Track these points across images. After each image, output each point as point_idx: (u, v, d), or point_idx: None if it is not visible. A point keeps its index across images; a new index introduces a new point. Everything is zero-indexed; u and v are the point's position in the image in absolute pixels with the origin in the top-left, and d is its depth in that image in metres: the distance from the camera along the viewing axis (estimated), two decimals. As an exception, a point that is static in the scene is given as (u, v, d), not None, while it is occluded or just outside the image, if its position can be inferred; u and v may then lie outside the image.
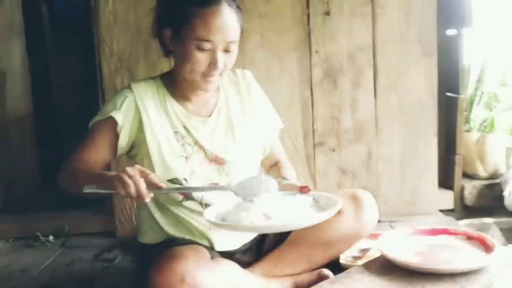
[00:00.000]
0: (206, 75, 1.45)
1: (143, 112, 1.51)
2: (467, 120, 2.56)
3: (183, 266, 1.29)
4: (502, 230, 2.32)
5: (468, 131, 2.55)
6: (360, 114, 2.32)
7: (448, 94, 2.43)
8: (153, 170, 1.48)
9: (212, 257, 1.47)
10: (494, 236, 2.21)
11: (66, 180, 1.47)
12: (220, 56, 1.43)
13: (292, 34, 2.27)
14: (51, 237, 2.35)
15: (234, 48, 1.46)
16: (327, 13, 2.25)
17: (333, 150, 2.33)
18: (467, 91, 2.62)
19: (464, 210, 2.45)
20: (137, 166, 1.29)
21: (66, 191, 1.48)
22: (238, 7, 1.48)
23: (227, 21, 1.42)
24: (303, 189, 1.44)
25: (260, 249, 1.68)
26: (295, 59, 2.28)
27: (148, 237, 1.61)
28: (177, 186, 1.50)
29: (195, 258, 1.35)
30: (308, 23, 2.27)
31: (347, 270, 1.54)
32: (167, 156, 1.51)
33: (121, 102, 1.51)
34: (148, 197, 1.26)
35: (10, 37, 2.90)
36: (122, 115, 1.50)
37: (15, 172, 2.83)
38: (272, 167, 1.72)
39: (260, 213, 1.31)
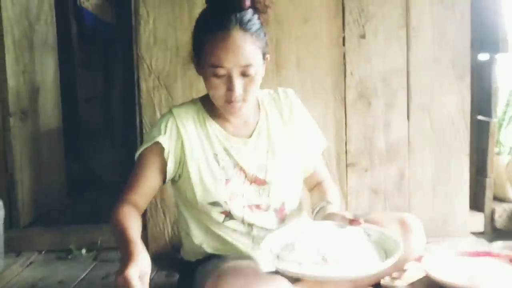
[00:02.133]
0: (227, 101, 1.43)
1: (184, 136, 1.51)
2: (499, 144, 2.57)
3: (243, 279, 1.26)
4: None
5: (498, 154, 2.56)
6: (393, 135, 2.34)
7: (480, 117, 2.45)
8: (194, 195, 1.50)
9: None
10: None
11: (111, 225, 1.39)
12: (237, 82, 1.39)
13: (328, 56, 2.30)
14: (83, 251, 2.37)
15: (254, 71, 1.41)
16: (363, 36, 2.29)
17: (366, 171, 2.35)
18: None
19: (494, 232, 2.45)
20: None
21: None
22: (259, 27, 1.43)
23: (239, 45, 1.37)
24: (353, 222, 1.40)
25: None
26: (330, 80, 2.31)
27: (189, 255, 1.62)
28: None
29: (253, 272, 1.33)
30: (344, 45, 2.31)
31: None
32: (207, 179, 1.50)
33: (164, 126, 1.51)
34: None
35: (45, 52, 2.97)
36: (167, 140, 1.49)
37: (44, 186, 2.87)
38: (316, 186, 1.71)
39: (319, 255, 1.30)
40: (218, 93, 1.42)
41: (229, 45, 1.36)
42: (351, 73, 2.30)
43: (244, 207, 1.52)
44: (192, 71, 2.19)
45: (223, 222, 1.53)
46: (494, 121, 2.40)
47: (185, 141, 1.50)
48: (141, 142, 2.22)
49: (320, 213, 1.55)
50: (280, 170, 1.56)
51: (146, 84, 2.27)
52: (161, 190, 2.16)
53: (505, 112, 2.64)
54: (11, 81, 2.53)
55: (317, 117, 2.27)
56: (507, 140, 2.56)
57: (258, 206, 1.54)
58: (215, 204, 1.50)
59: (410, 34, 2.31)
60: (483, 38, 2.41)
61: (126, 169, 2.48)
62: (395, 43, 2.31)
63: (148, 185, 1.50)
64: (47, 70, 2.99)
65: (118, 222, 1.34)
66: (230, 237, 1.54)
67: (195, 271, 1.51)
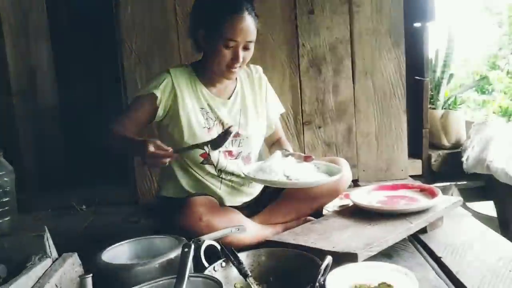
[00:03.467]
0: (229, 66, 1.86)
1: (177, 91, 1.91)
2: (435, 100, 2.97)
3: (201, 209, 1.75)
4: (461, 190, 2.75)
5: (434, 108, 2.97)
6: (341, 97, 2.74)
7: (416, 78, 2.85)
8: (182, 136, 1.92)
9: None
10: (453, 195, 2.65)
11: (110, 140, 1.86)
12: (241, 53, 1.83)
13: (282, 30, 2.68)
14: (84, 207, 2.78)
15: (252, 46, 1.86)
16: (311, 12, 2.66)
17: (319, 127, 2.76)
18: (436, 74, 3.05)
19: (431, 175, 2.87)
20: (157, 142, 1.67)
21: (108, 148, 1.92)
22: (256, 14, 1.87)
23: (248, 25, 1.81)
24: (307, 158, 1.90)
25: (258, 206, 2.09)
26: (285, 52, 2.69)
27: (169, 192, 2.02)
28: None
29: (209, 205, 1.81)
30: (296, 21, 2.68)
31: (325, 215, 1.98)
32: (194, 126, 1.92)
33: (160, 81, 1.91)
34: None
35: (38, 38, 3.31)
36: (160, 92, 1.89)
37: (46, 156, 3.25)
38: (275, 142, 2.18)
39: (282, 174, 1.81)
40: (223, 61, 1.84)
41: (242, 25, 1.80)
42: (303, 45, 2.69)
43: (219, 152, 1.95)
44: (167, 48, 2.60)
45: (200, 163, 1.96)
46: (427, 80, 2.79)
47: (178, 95, 1.91)
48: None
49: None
50: (250, 126, 2.02)
51: (128, 62, 2.65)
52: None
53: (443, 72, 3.03)
54: (11, 65, 2.90)
55: (276, 84, 2.70)
56: (441, 96, 2.96)
57: (230, 153, 1.99)
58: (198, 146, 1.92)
59: (352, 9, 2.69)
60: (416, 9, 2.78)
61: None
62: (340, 17, 2.69)
63: (139, 119, 1.92)
64: (42, 53, 3.34)
65: (119, 135, 1.81)
66: (203, 177, 1.98)
67: (172, 205, 1.92)
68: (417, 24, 2.82)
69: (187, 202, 1.81)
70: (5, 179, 2.35)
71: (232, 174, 2.01)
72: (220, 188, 2.00)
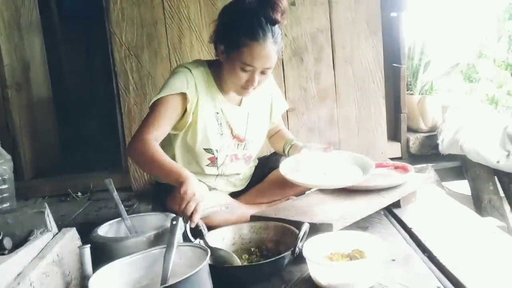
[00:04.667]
0: (244, 88, 1.84)
1: (199, 94, 1.88)
2: (413, 86, 3.11)
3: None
4: (437, 171, 2.89)
5: (413, 94, 3.11)
6: (322, 84, 2.87)
7: (394, 65, 2.99)
8: (195, 141, 1.93)
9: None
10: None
11: (139, 157, 1.73)
12: (257, 77, 1.80)
13: (265, 22, 2.80)
14: (79, 194, 2.89)
15: (269, 71, 1.83)
16: (293, 4, 2.78)
17: (302, 114, 2.89)
18: (414, 61, 3.19)
19: (410, 157, 3.02)
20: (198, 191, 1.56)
21: (137, 165, 1.95)
22: (280, 37, 1.79)
23: (269, 53, 1.74)
24: (326, 150, 1.96)
25: (243, 191, 2.22)
26: (269, 42, 2.82)
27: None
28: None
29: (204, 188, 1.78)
30: (278, 12, 2.80)
31: (306, 193, 2.11)
32: (209, 131, 1.93)
33: (185, 81, 1.84)
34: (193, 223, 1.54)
35: (31, 32, 3.42)
36: (190, 94, 1.84)
37: (41, 146, 3.36)
38: (277, 132, 2.25)
39: (322, 173, 1.87)
40: (238, 82, 1.82)
41: (262, 53, 1.73)
42: (285, 35, 2.81)
43: (227, 156, 2.03)
44: (156, 41, 2.71)
45: (206, 165, 2.01)
46: (404, 67, 2.93)
47: (199, 98, 1.89)
48: (118, 102, 2.76)
49: (293, 148, 2.08)
50: (256, 130, 2.09)
51: (119, 54, 2.76)
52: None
53: (420, 59, 3.17)
54: (5, 58, 3.00)
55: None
56: (419, 82, 3.11)
57: (236, 156, 2.07)
58: (208, 150, 1.98)
59: (331, 0, 2.82)
60: (392, 0, 2.92)
61: (112, 131, 2.99)
62: (320, 8, 2.81)
63: (168, 125, 1.82)
64: (35, 47, 3.45)
65: (155, 154, 1.67)
66: (202, 173, 2.01)
67: (164, 189, 2.00)
68: (393, 14, 2.95)
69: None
70: (4, 167, 2.47)
71: (232, 174, 2.11)
72: (215, 180, 2.10)
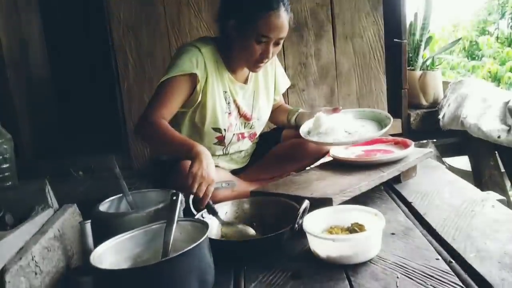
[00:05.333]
0: (258, 61, 1.82)
1: (209, 73, 1.85)
2: (414, 61, 3.09)
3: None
4: (438, 147, 2.89)
5: (414, 70, 3.09)
6: (323, 60, 2.86)
7: (395, 40, 2.96)
8: (204, 121, 1.91)
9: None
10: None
11: (150, 133, 1.73)
12: (271, 48, 1.79)
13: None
14: (81, 173, 2.91)
15: (282, 42, 1.82)
16: (292, -22, 2.76)
17: (303, 90, 2.88)
18: (415, 37, 3.16)
19: (411, 133, 3.01)
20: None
21: (148, 143, 1.92)
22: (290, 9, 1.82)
23: (283, 22, 1.76)
24: (336, 110, 2.04)
25: (244, 168, 2.22)
26: (268, 18, 2.79)
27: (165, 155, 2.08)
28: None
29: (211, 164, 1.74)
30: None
31: (307, 168, 2.11)
32: (218, 110, 1.91)
33: (195, 61, 1.81)
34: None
35: (29, 13, 3.39)
36: (200, 74, 1.82)
37: (41, 125, 3.36)
38: (278, 107, 2.26)
39: (343, 131, 1.96)
40: (254, 55, 1.80)
41: (277, 22, 1.75)
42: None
43: (234, 135, 2.03)
44: (154, 18, 2.69)
45: (214, 144, 2.01)
46: (405, 42, 2.90)
47: (209, 77, 1.86)
48: (118, 81, 2.75)
49: (301, 116, 2.13)
50: (261, 109, 2.09)
51: (117, 32, 2.74)
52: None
53: (422, 35, 3.15)
54: (3, 39, 2.98)
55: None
56: (420, 57, 3.08)
57: (242, 135, 2.08)
58: (217, 130, 1.98)
59: (331, -27, 2.79)
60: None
61: (111, 110, 2.98)
62: (319, -18, 2.79)
63: (176, 105, 1.82)
64: (33, 27, 3.43)
65: (166, 129, 1.69)
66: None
67: (166, 167, 1.98)
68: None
69: (179, 165, 1.83)
70: (5, 146, 2.47)
71: (235, 151, 2.11)
72: (218, 158, 2.09)
